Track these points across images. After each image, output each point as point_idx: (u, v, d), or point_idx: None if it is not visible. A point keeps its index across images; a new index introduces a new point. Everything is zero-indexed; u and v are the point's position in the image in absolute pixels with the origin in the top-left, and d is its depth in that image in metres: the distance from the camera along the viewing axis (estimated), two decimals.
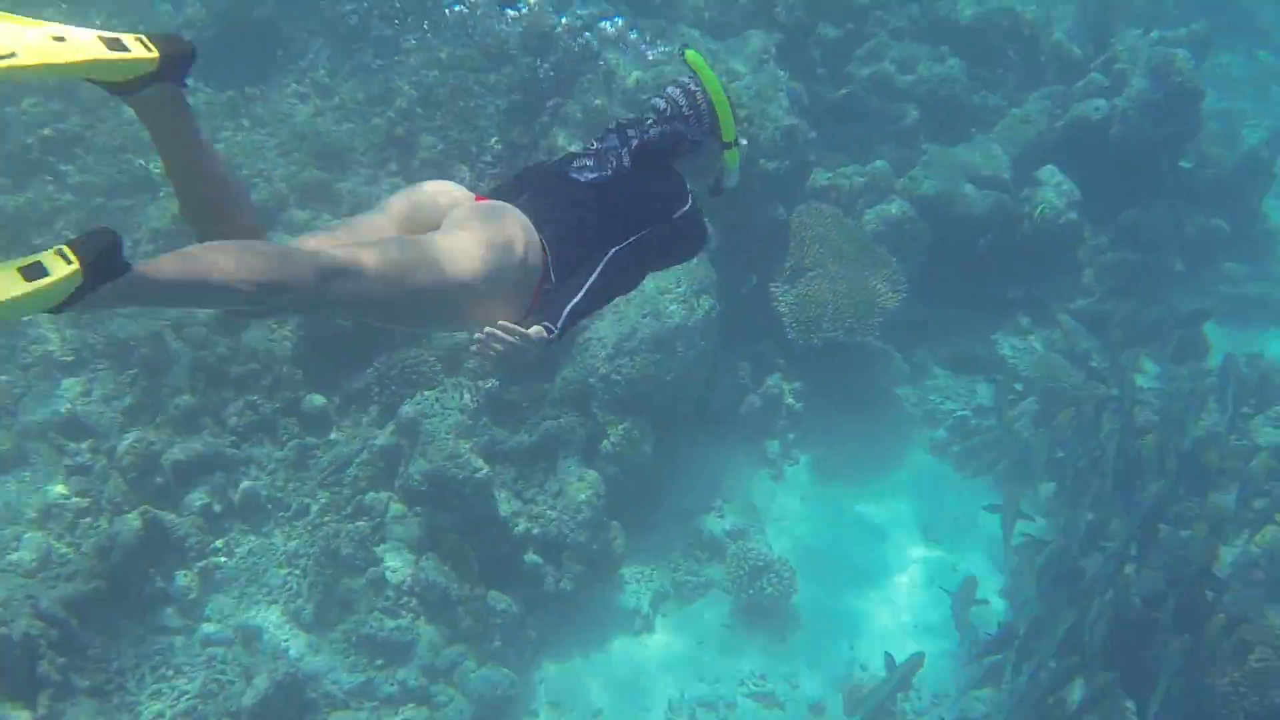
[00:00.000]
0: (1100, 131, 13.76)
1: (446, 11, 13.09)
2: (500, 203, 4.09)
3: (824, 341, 11.46)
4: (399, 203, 4.11)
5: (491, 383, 10.09)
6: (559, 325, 3.94)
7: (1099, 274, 13.54)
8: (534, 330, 3.84)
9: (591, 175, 4.35)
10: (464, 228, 3.88)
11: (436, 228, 3.97)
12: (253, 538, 9.53)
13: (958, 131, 14.09)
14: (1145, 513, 10.13)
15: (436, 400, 9.82)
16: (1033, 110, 14.15)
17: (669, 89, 4.60)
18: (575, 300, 4.03)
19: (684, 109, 4.52)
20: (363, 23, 13.72)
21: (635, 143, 4.42)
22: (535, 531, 9.74)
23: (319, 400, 10.08)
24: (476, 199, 4.17)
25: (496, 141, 12.27)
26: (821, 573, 10.93)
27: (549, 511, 9.87)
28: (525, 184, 4.38)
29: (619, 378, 10.16)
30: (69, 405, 9.62)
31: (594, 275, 4.12)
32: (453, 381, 10.05)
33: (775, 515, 11.41)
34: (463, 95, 12.76)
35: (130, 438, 9.32)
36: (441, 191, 4.16)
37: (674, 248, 4.52)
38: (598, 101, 11.94)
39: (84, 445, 9.52)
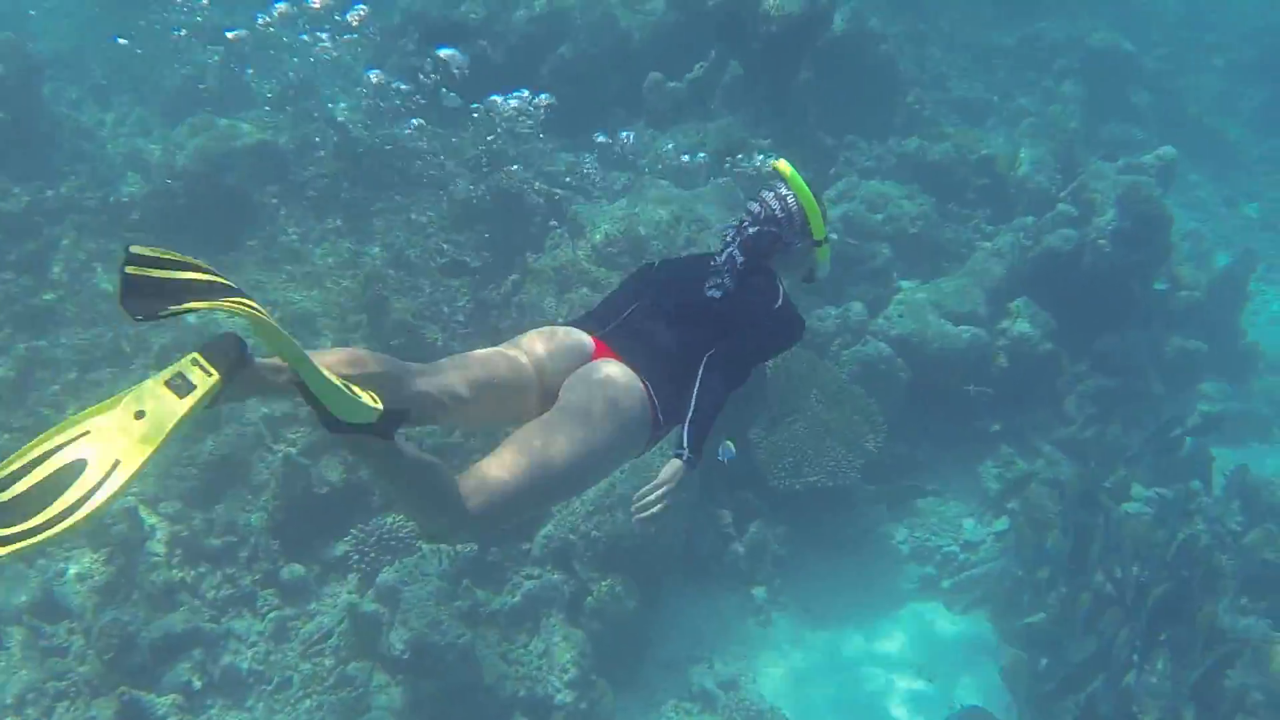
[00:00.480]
0: (1072, 261, 13.93)
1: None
2: (608, 368, 4.43)
3: (806, 487, 11.52)
4: (539, 347, 4.49)
5: (470, 547, 10.13)
6: (688, 447, 4.35)
7: (1079, 402, 13.61)
8: (669, 470, 4.30)
9: (718, 291, 4.80)
10: (576, 413, 4.23)
11: (565, 373, 4.42)
12: (235, 713, 9.49)
13: (931, 267, 14.31)
14: (1147, 618, 10.18)
15: (415, 567, 9.84)
16: (1004, 243, 14.35)
17: (762, 193, 4.99)
18: (689, 422, 4.37)
19: (776, 212, 4.90)
20: (331, 186, 13.96)
21: (741, 241, 4.90)
22: (522, 694, 9.69)
23: (298, 570, 10.10)
24: (596, 345, 4.55)
25: (468, 300, 12.44)
26: (817, 718, 10.88)
27: (535, 673, 9.85)
28: (639, 303, 4.79)
29: (599, 534, 10.19)
30: (44, 586, 9.66)
31: (695, 392, 4.41)
32: (431, 547, 10.08)
33: (765, 663, 11.36)
34: (434, 255, 12.96)
35: (107, 616, 9.33)
36: (573, 343, 4.53)
37: (773, 341, 4.92)
38: (566, 257, 12.14)
39: (60, 627, 9.54)
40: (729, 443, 10.69)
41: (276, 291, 12.44)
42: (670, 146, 13.86)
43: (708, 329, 4.66)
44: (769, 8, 13.38)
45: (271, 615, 9.93)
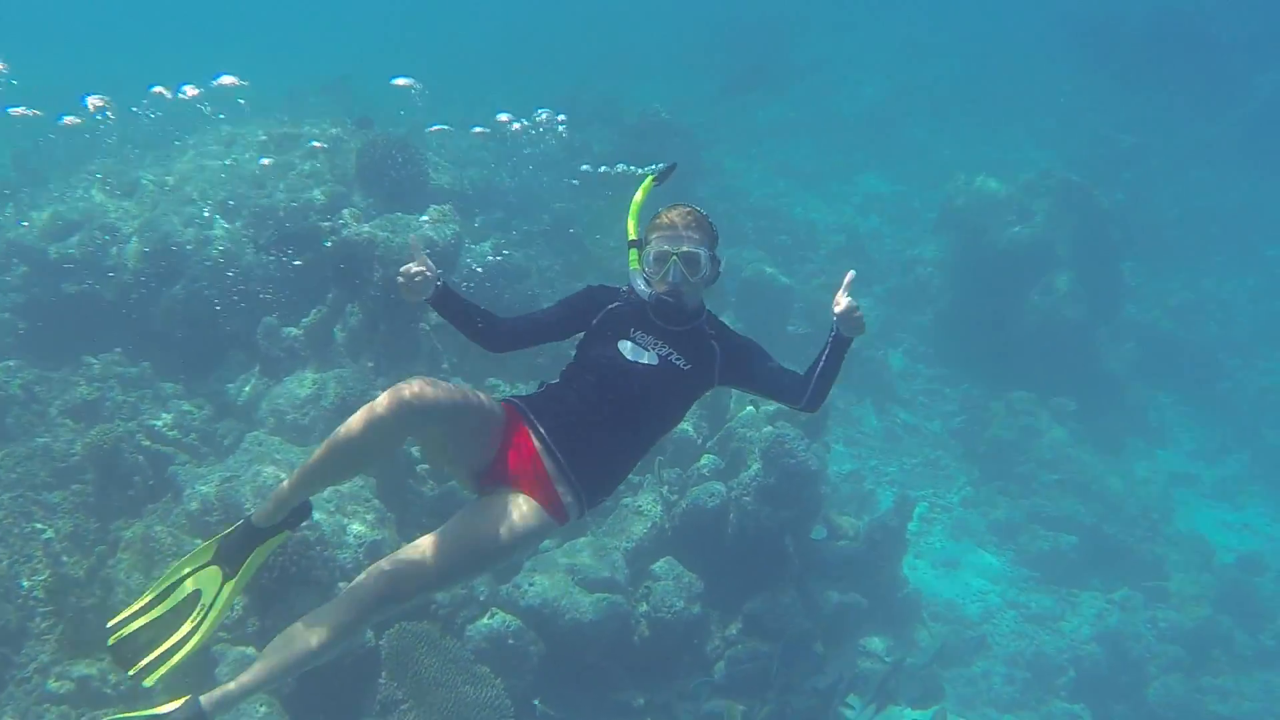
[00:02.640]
0: (719, 518, 13.64)
1: None
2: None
3: None
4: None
5: None
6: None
7: (730, 668, 13.21)
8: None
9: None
10: None
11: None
12: None
13: (567, 531, 13.76)
14: None
15: None
16: (645, 501, 13.95)
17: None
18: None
19: None
20: None
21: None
22: None
23: None
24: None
25: (48, 575, 11.43)
26: None
27: None
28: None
29: None
30: None
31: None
32: None
33: None
34: (20, 519, 11.95)
35: None
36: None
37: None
38: (158, 527, 11.30)
39: None
40: None
41: None
42: (282, 400, 13.17)
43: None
44: (387, 250, 12.98)
45: None
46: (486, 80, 34.62)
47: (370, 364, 13.41)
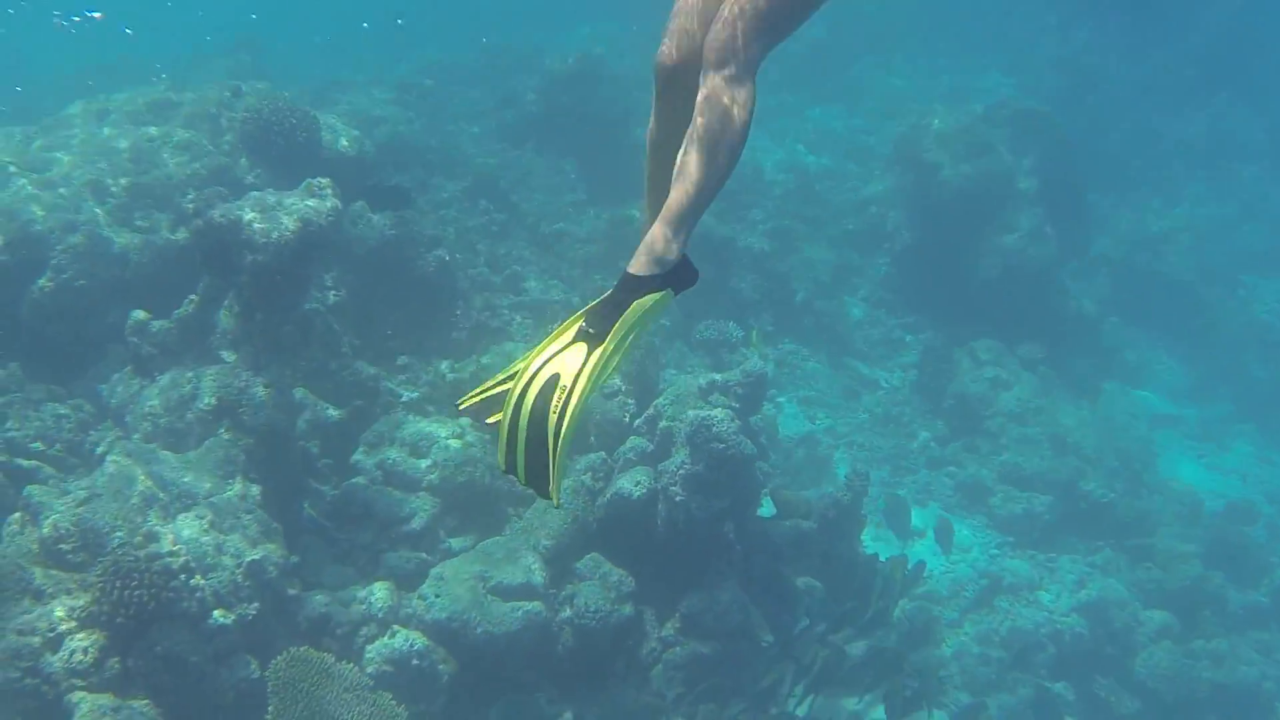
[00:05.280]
0: (647, 509, 12.58)
1: None
2: None
3: None
4: None
5: None
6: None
7: (668, 672, 12.25)
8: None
9: None
10: None
11: None
12: None
13: (486, 525, 12.79)
14: None
15: None
16: (564, 489, 12.84)
17: None
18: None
19: None
20: None
21: None
22: None
23: None
24: None
25: None
26: None
27: None
28: None
29: None
30: None
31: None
32: None
33: None
34: None
35: None
36: None
37: None
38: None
39: None
40: None
41: None
42: (155, 402, 12.04)
43: None
44: (254, 233, 11.80)
45: None
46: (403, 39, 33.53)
47: (250, 356, 12.29)
